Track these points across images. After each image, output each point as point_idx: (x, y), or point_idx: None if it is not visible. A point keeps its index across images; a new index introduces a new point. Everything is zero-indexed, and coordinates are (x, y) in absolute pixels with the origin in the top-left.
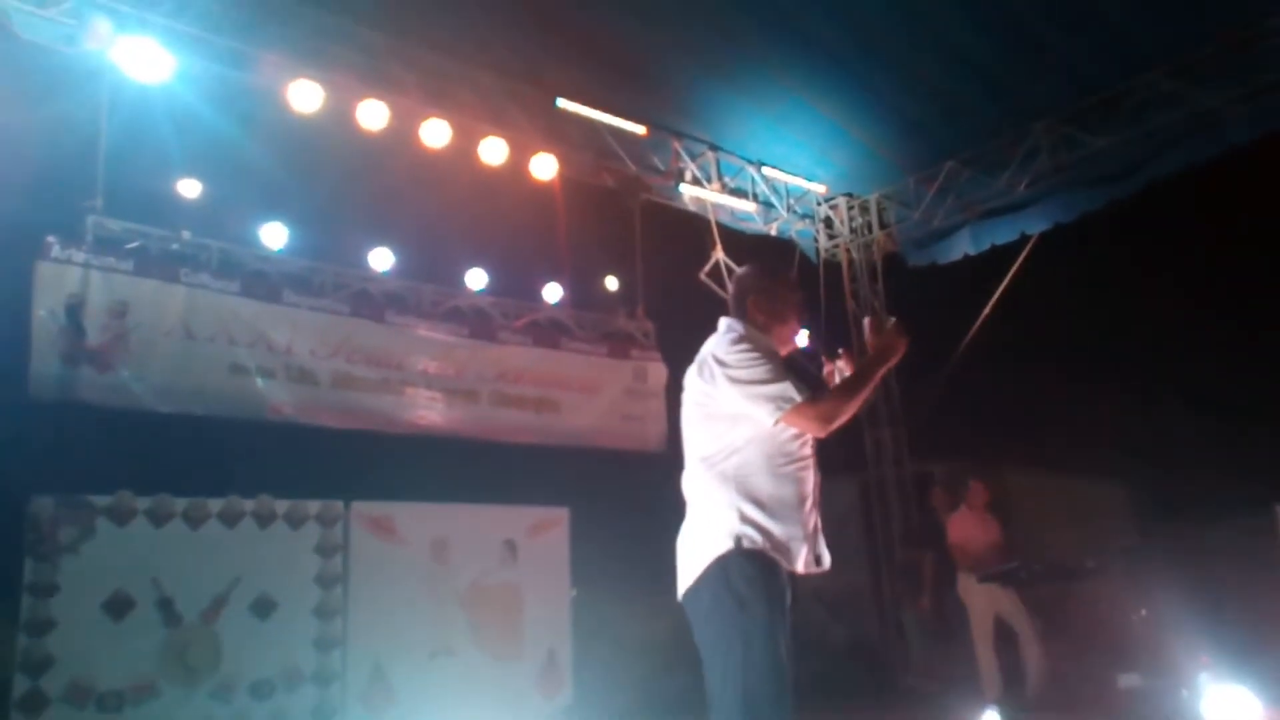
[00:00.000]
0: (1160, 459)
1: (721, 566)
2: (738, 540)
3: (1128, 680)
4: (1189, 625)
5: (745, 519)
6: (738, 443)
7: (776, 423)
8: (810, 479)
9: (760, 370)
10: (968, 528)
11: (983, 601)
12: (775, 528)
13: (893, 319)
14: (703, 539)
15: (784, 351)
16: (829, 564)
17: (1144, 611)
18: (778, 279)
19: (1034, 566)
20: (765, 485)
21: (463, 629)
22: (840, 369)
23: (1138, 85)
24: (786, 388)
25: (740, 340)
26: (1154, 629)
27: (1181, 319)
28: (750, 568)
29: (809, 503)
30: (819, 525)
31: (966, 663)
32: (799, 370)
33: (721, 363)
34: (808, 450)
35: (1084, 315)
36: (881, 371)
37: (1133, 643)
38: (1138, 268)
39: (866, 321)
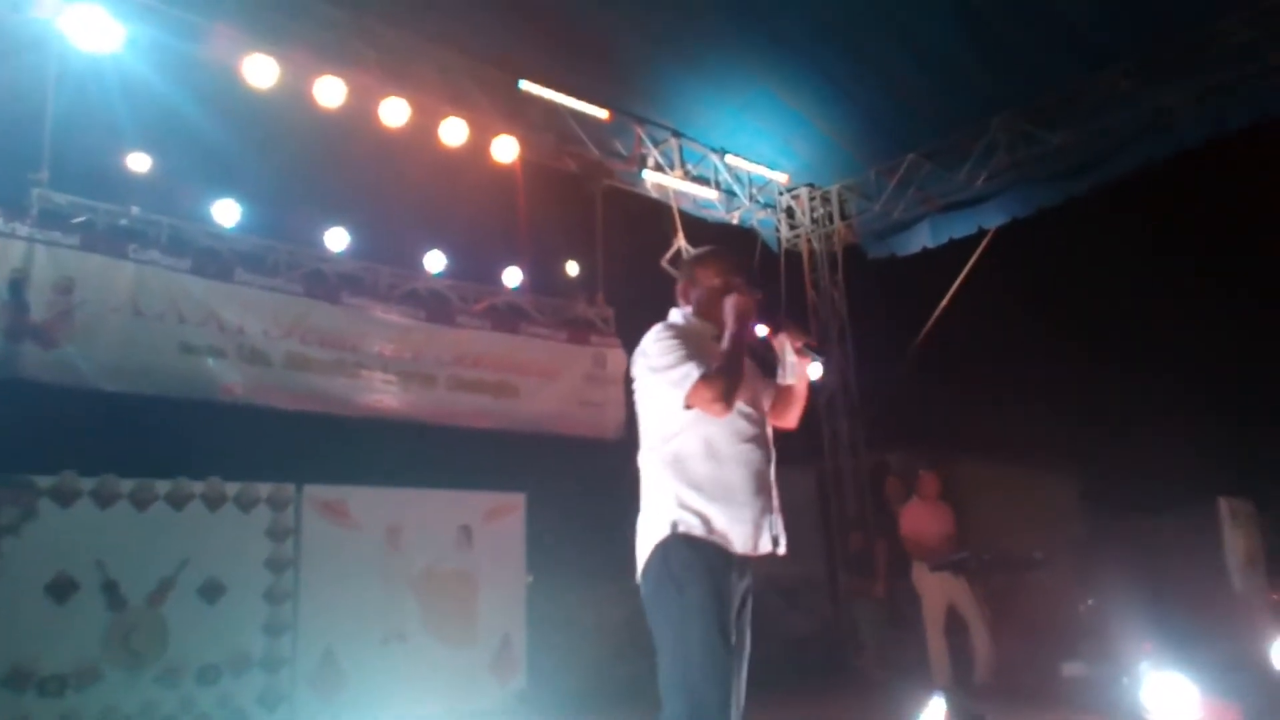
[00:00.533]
0: (1109, 452)
1: (661, 551)
2: (674, 525)
3: (1072, 668)
4: (1133, 615)
5: (682, 504)
6: (674, 428)
7: (686, 406)
8: (757, 460)
9: (670, 357)
10: (920, 518)
11: (935, 590)
12: (714, 511)
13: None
14: (646, 525)
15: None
16: (784, 547)
17: (1090, 601)
18: (702, 262)
19: (984, 556)
20: (703, 469)
21: (416, 614)
22: (781, 340)
23: (1096, 83)
24: (689, 369)
25: (668, 329)
26: (1100, 618)
27: (1133, 313)
28: (687, 552)
29: (755, 485)
30: (773, 508)
31: (918, 650)
32: (750, 353)
33: (644, 352)
34: (753, 431)
35: (1039, 308)
36: (738, 332)
37: (1078, 631)
38: (1091, 262)
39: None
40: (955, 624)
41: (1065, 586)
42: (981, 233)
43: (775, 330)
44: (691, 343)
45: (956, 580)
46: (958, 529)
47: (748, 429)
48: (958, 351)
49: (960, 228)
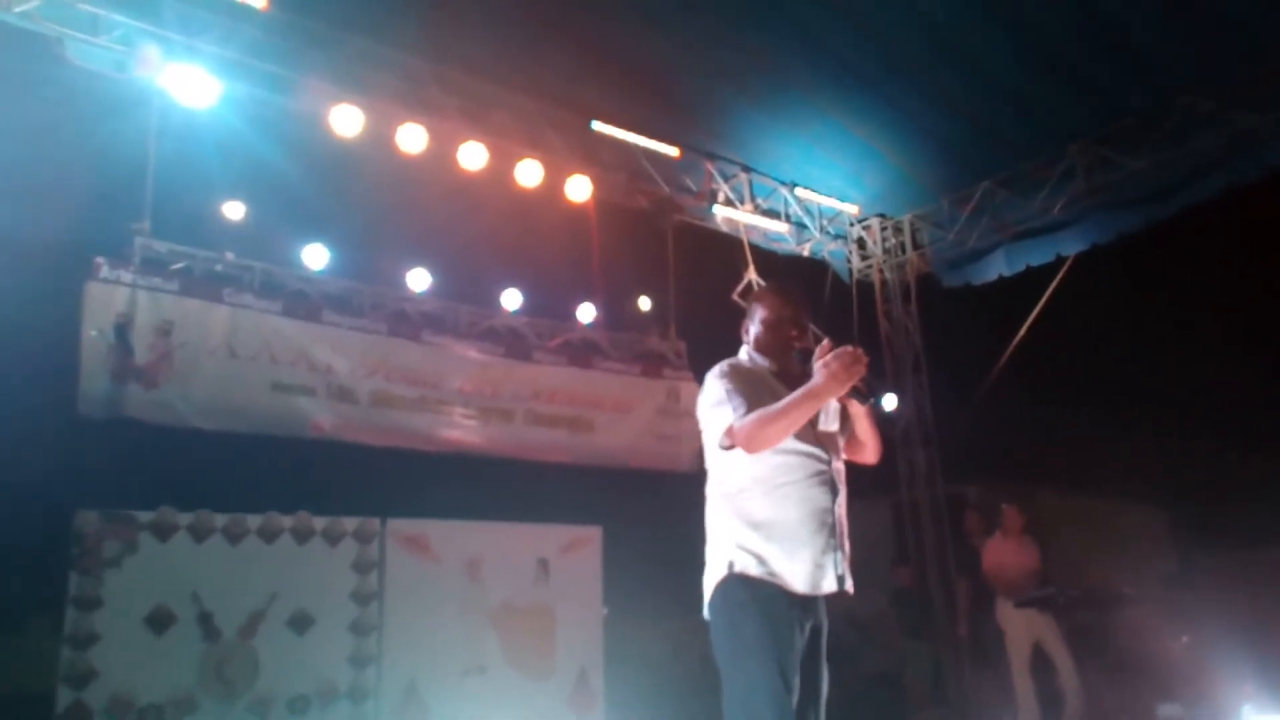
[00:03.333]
0: (1201, 484)
1: (721, 590)
2: (730, 565)
3: (1168, 710)
4: (1231, 654)
5: (739, 543)
6: (731, 465)
7: (722, 448)
8: (818, 498)
9: (715, 395)
10: (1003, 553)
11: (1020, 628)
12: (771, 550)
13: (848, 347)
14: (709, 563)
15: (789, 366)
16: (851, 586)
17: (1185, 639)
18: (760, 299)
19: (1071, 593)
20: (761, 506)
21: (495, 647)
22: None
23: (1175, 107)
24: (724, 411)
25: (726, 366)
26: (1195, 657)
27: (1222, 341)
28: (742, 592)
29: (815, 524)
30: (837, 545)
31: (1003, 689)
32: (790, 384)
33: (702, 389)
34: (815, 468)
35: (1121, 337)
36: (811, 399)
37: (1173, 671)
38: (1177, 290)
39: (823, 344)
40: (1041, 663)
41: (1158, 624)
42: (1060, 260)
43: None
44: (745, 380)
45: (1042, 617)
46: (1043, 564)
47: (809, 465)
48: (1038, 381)
49: (1038, 255)
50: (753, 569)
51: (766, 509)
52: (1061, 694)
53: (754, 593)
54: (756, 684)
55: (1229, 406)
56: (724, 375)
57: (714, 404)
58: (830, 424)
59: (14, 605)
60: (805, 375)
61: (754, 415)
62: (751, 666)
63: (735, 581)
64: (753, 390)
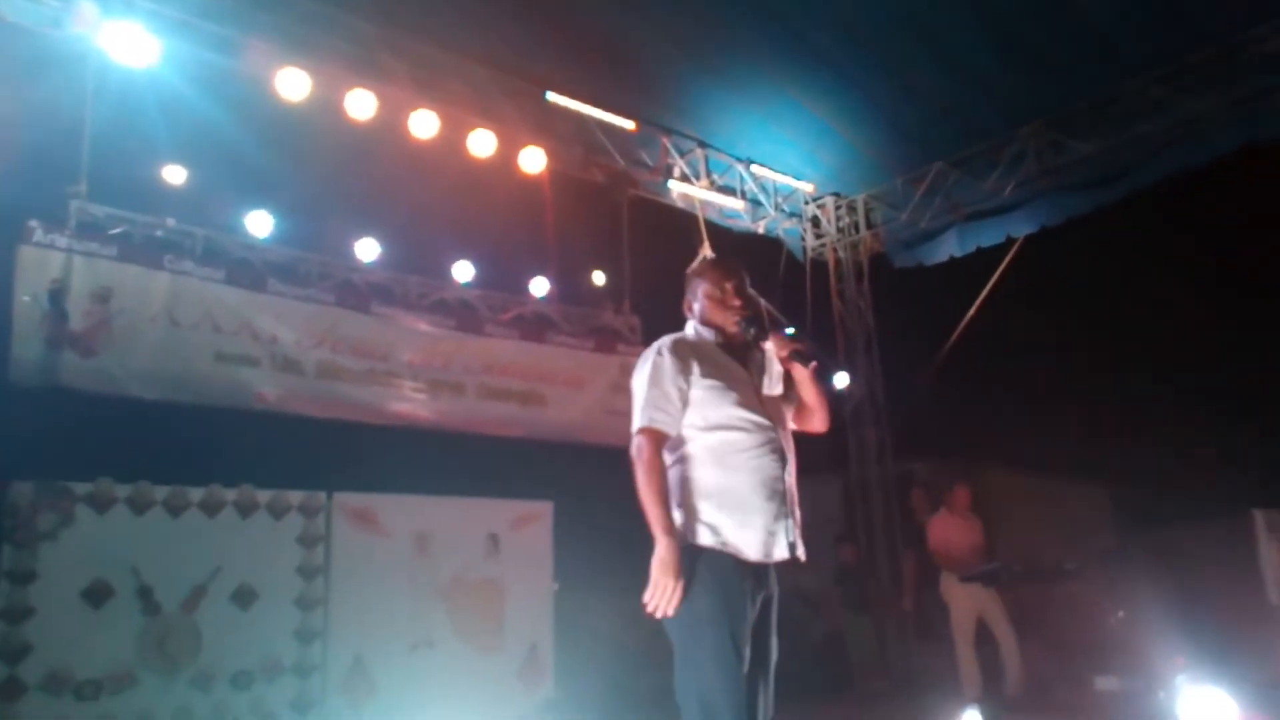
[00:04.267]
0: (1140, 462)
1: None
2: (682, 536)
3: (1105, 682)
4: (1167, 628)
5: (692, 514)
6: (682, 438)
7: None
8: (768, 465)
9: (643, 382)
10: (949, 530)
11: (965, 602)
12: (723, 519)
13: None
14: None
15: (734, 336)
16: (802, 553)
17: (1122, 614)
18: (693, 273)
19: (1014, 568)
20: (711, 477)
21: (444, 621)
22: (769, 351)
23: (1125, 91)
24: (640, 409)
25: (671, 347)
26: (1132, 631)
27: (1164, 323)
28: (695, 563)
29: (766, 491)
30: (788, 514)
31: (946, 662)
32: (736, 355)
33: (637, 367)
34: (763, 438)
35: (1067, 318)
36: (657, 531)
37: (1110, 644)
38: (1122, 272)
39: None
40: (984, 637)
41: (1096, 598)
42: (1010, 242)
43: (762, 340)
44: (690, 358)
45: (986, 592)
46: (987, 540)
47: (758, 436)
48: (985, 361)
49: (988, 236)
50: (705, 538)
51: (717, 478)
52: (1003, 666)
53: (707, 563)
54: (711, 653)
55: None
56: (661, 357)
57: (640, 391)
58: (774, 387)
59: None
60: (751, 345)
61: (650, 451)
62: (704, 637)
63: (687, 552)
64: (700, 363)
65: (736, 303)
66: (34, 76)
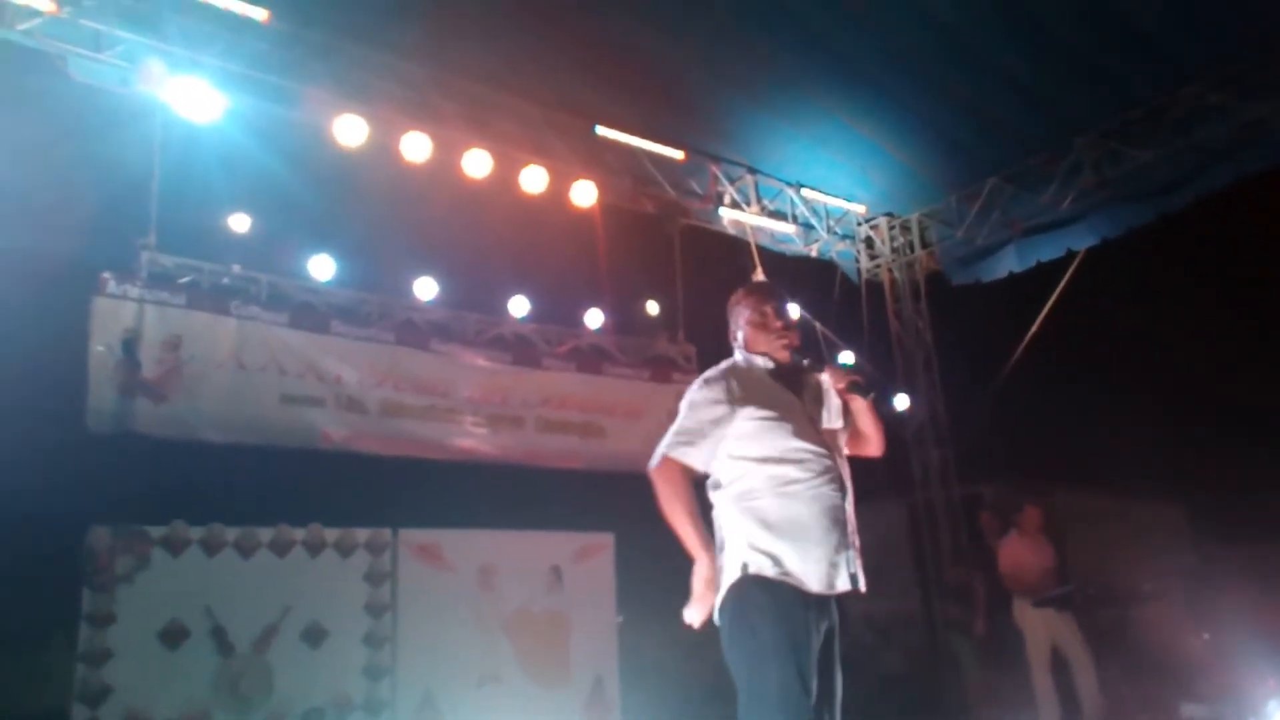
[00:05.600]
0: (1217, 477)
1: (735, 593)
2: (744, 567)
3: (1192, 709)
4: (1255, 649)
5: (752, 545)
6: (740, 467)
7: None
8: (828, 495)
9: (683, 407)
10: (1019, 552)
11: (1039, 627)
12: (785, 550)
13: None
14: (721, 565)
15: (783, 360)
16: (863, 585)
17: (1206, 636)
18: (733, 301)
19: (1089, 590)
20: (772, 508)
21: (510, 656)
22: (825, 383)
23: (1182, 97)
24: (671, 434)
25: (723, 374)
26: (1217, 654)
27: (1236, 333)
28: (759, 594)
29: (827, 522)
30: (848, 544)
31: (1021, 689)
32: (788, 382)
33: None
34: (821, 466)
35: (1135, 331)
36: (692, 548)
37: (1195, 669)
38: (1190, 282)
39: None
40: (1061, 663)
41: (1178, 620)
42: (1070, 255)
43: (819, 367)
44: (738, 387)
45: (1061, 616)
46: (1059, 562)
47: (817, 464)
48: (1051, 378)
49: (1048, 251)
50: (768, 570)
51: (778, 509)
52: (1078, 694)
53: (770, 595)
54: (775, 687)
55: (1244, 399)
56: (703, 389)
57: (680, 414)
58: (834, 422)
59: (28, 623)
60: (801, 370)
61: (669, 479)
62: (770, 669)
63: (750, 583)
64: (753, 394)
65: (778, 324)
66: (103, 133)
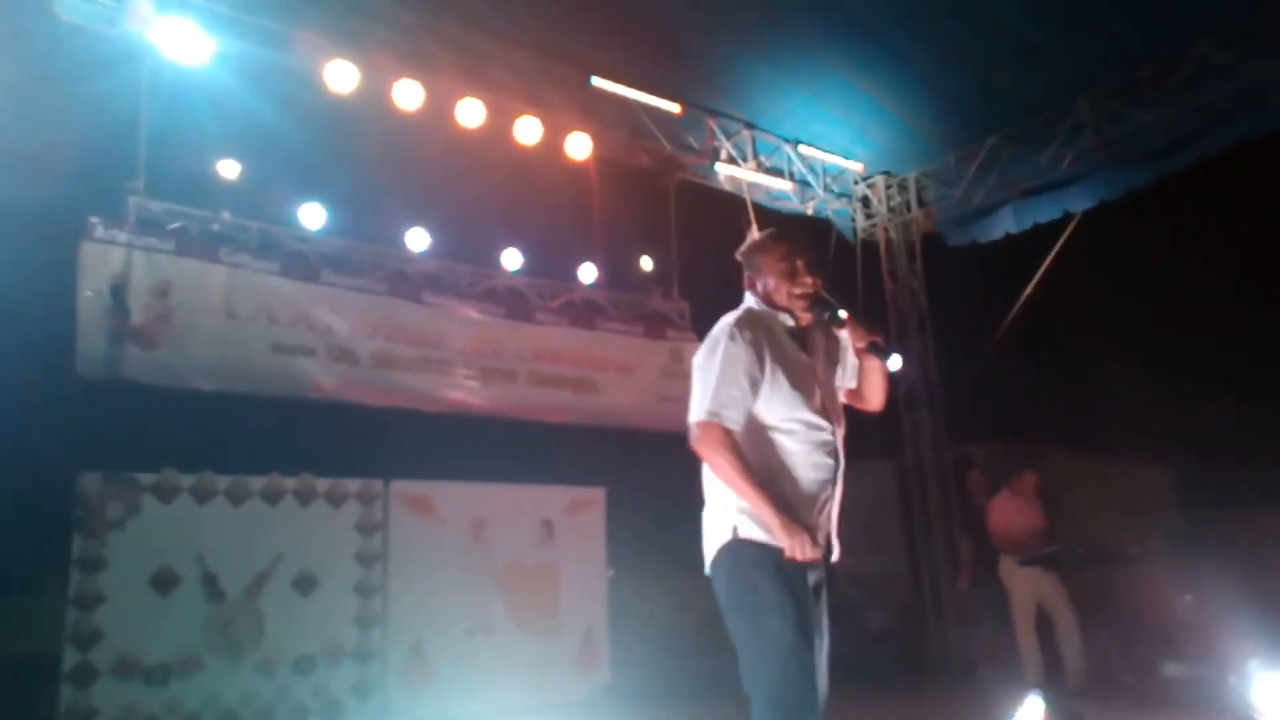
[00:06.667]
0: (1207, 442)
1: (730, 552)
2: (734, 529)
3: (1173, 668)
4: (1237, 611)
5: (740, 507)
6: (741, 429)
7: (691, 428)
8: (821, 465)
9: (712, 366)
10: (1009, 512)
11: (1025, 586)
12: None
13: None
14: (712, 523)
15: (803, 320)
16: (836, 553)
17: (1189, 597)
18: (764, 249)
19: (1076, 551)
20: (765, 476)
21: (501, 607)
22: (844, 339)
23: (1185, 58)
24: (706, 395)
25: (740, 330)
26: (1200, 615)
27: (1233, 298)
28: (755, 553)
29: (815, 490)
30: (830, 512)
31: (1006, 646)
32: (801, 340)
33: (707, 347)
34: (819, 438)
35: (1130, 294)
36: (766, 512)
37: (1178, 629)
38: (1188, 245)
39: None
40: (1045, 622)
41: (1163, 582)
42: (1068, 217)
43: (839, 320)
44: (759, 342)
45: (1047, 575)
46: (1048, 523)
47: (815, 435)
48: (1043, 340)
49: (1045, 212)
50: (756, 534)
51: (770, 479)
52: (1062, 653)
53: (765, 552)
54: (779, 640)
55: (1236, 364)
56: (734, 344)
57: (708, 376)
58: (848, 381)
59: (19, 567)
60: (819, 325)
61: (723, 446)
62: (772, 624)
63: (744, 543)
64: (772, 349)
65: (809, 280)
66: (90, 75)
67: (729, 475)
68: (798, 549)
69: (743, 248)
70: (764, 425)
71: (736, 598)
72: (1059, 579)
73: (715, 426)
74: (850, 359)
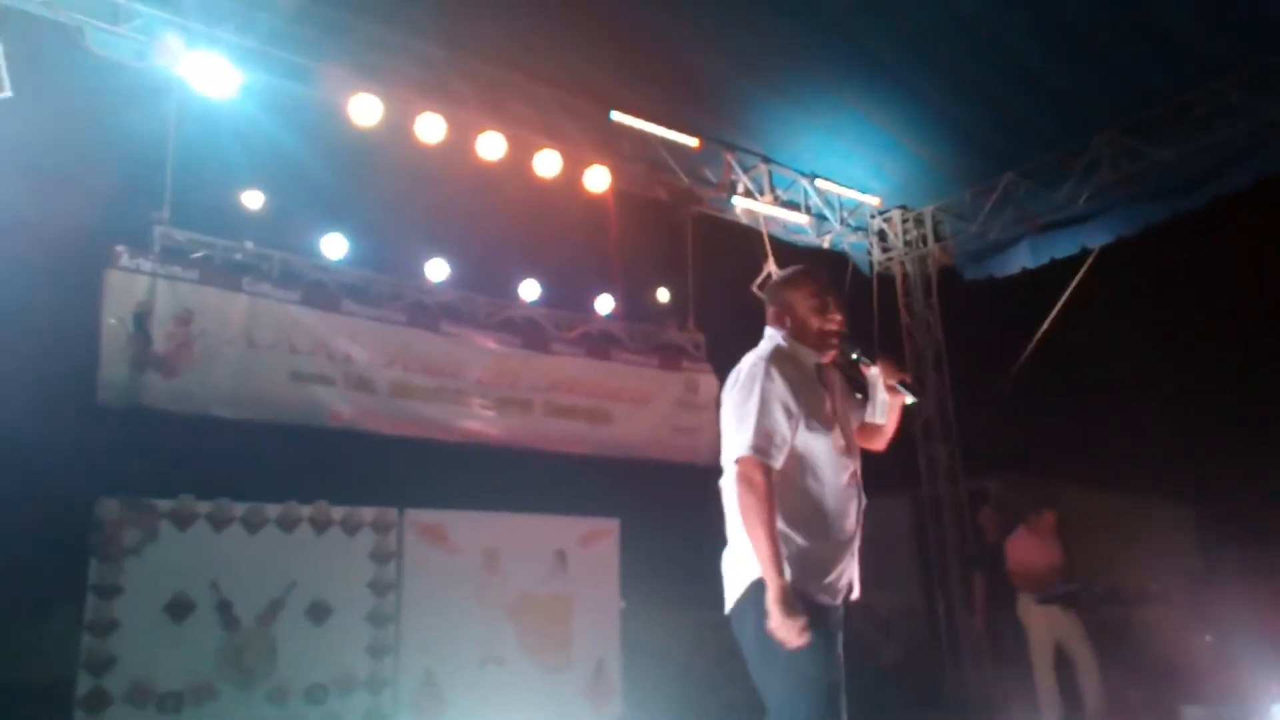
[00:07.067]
0: (1226, 479)
1: (759, 590)
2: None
3: (1194, 712)
4: (1258, 652)
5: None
6: None
7: (729, 466)
8: (844, 509)
9: (751, 402)
10: (1027, 549)
11: (1043, 624)
12: (797, 566)
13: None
14: (738, 560)
15: (826, 356)
16: (857, 593)
17: (1210, 638)
18: (794, 284)
19: (1095, 589)
20: (790, 517)
21: (512, 638)
22: (874, 376)
23: (1203, 95)
24: (747, 432)
25: (771, 364)
26: (1221, 656)
27: (1249, 335)
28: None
29: (839, 532)
30: (853, 553)
31: (1023, 685)
32: (824, 380)
33: (738, 382)
34: (843, 480)
35: (1146, 330)
36: (767, 572)
37: (1198, 670)
38: (1203, 283)
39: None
40: (1064, 661)
41: (1182, 621)
42: (1085, 252)
43: (869, 363)
44: (791, 380)
45: (1065, 614)
46: (1066, 561)
47: (843, 474)
48: (1060, 375)
49: (1062, 248)
50: (786, 574)
51: (796, 521)
52: (1081, 692)
53: (794, 593)
54: (812, 683)
55: (1255, 401)
56: (771, 381)
57: (744, 412)
58: (877, 416)
59: (36, 592)
60: (844, 368)
61: (757, 484)
62: (804, 665)
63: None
64: (799, 388)
65: (839, 317)
66: (120, 107)
67: (752, 522)
68: (791, 634)
69: (767, 282)
70: (796, 463)
71: (766, 638)
72: (1077, 617)
73: (758, 465)
74: (880, 395)
